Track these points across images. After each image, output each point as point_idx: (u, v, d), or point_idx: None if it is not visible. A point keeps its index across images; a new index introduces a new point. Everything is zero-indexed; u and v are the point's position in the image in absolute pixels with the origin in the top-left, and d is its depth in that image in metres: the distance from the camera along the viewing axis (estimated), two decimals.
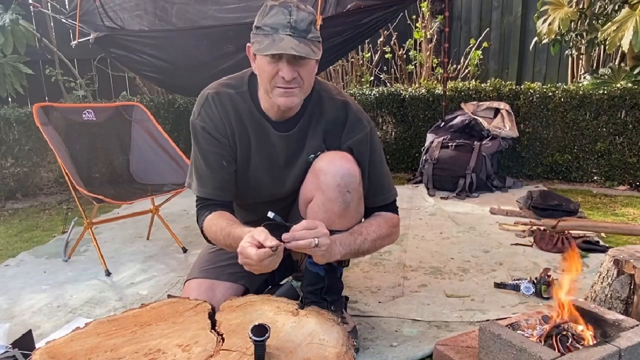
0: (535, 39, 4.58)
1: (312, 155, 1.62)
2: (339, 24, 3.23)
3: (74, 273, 2.50)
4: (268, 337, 1.19)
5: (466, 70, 5.47)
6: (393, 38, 5.49)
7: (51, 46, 4.57)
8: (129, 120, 2.94)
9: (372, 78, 5.61)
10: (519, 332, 1.45)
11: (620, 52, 4.26)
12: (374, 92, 4.61)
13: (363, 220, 1.69)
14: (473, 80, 4.98)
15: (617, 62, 4.32)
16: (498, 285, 2.17)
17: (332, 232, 1.55)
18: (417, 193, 3.77)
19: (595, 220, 2.99)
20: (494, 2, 5.80)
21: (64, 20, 3.89)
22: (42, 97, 4.81)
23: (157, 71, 3.76)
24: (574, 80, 4.70)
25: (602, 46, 4.26)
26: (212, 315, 1.42)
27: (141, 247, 2.84)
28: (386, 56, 5.68)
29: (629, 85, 3.79)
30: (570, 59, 4.80)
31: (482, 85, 4.34)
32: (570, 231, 2.69)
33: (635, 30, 3.50)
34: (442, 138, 4.00)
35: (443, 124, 4.16)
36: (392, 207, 1.71)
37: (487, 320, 1.81)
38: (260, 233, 1.35)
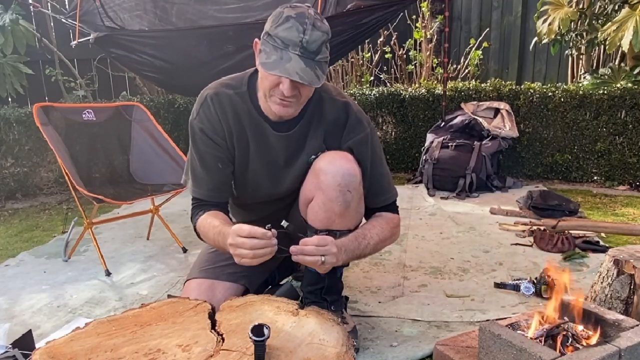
0: (535, 39, 4.58)
1: (313, 156, 1.62)
2: (339, 24, 3.22)
3: (74, 273, 2.50)
4: (268, 337, 1.20)
5: (466, 70, 5.47)
6: (393, 38, 5.49)
7: (51, 46, 4.57)
8: (129, 120, 2.94)
9: (372, 78, 5.61)
10: (519, 332, 1.45)
11: (620, 52, 4.26)
12: (374, 92, 4.61)
13: (363, 220, 1.70)
14: (473, 80, 4.98)
15: (617, 62, 4.32)
16: (498, 285, 2.17)
17: (332, 232, 1.55)
18: (417, 193, 3.77)
19: (595, 220, 2.99)
20: (494, 2, 5.80)
21: (64, 20, 3.89)
22: (42, 97, 4.81)
23: (157, 71, 3.76)
24: (574, 80, 4.70)
25: (602, 46, 4.26)
26: (212, 315, 1.42)
27: (141, 247, 2.84)
28: (386, 56, 5.68)
29: (629, 85, 3.79)
30: (570, 59, 4.80)
31: (482, 85, 4.34)
32: (570, 231, 2.68)
33: (635, 30, 3.50)
34: (442, 138, 4.00)
35: (443, 124, 4.16)
36: (393, 207, 1.72)
37: (487, 320, 1.81)
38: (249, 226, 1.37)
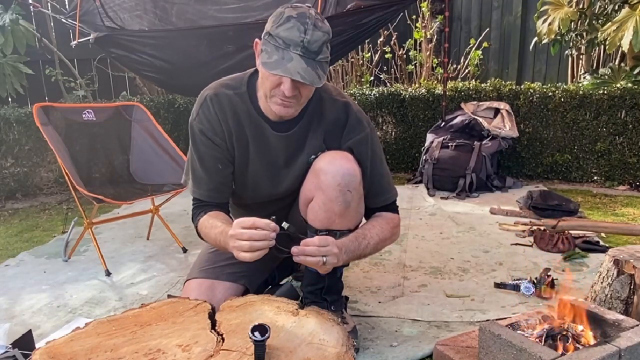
0: (535, 39, 4.58)
1: (313, 156, 1.62)
2: (339, 24, 3.22)
3: (74, 273, 2.50)
4: (268, 337, 1.20)
5: (466, 70, 5.47)
6: (393, 38, 5.49)
7: (51, 46, 4.57)
8: (129, 120, 2.94)
9: (372, 78, 5.61)
10: (519, 332, 1.45)
11: (620, 52, 4.26)
12: (374, 92, 4.61)
13: (364, 220, 1.70)
14: (473, 80, 4.99)
15: (617, 62, 4.32)
16: (498, 285, 2.17)
17: (332, 232, 1.55)
18: (417, 193, 3.77)
19: (595, 220, 2.99)
20: (494, 2, 5.80)
21: (64, 20, 3.89)
22: (42, 97, 4.81)
23: (157, 71, 3.76)
24: (574, 80, 4.70)
25: (602, 46, 4.26)
26: (212, 315, 1.42)
27: (141, 247, 2.84)
28: (386, 56, 5.68)
29: (629, 85, 3.79)
30: (570, 59, 4.80)
31: (482, 85, 4.34)
32: (570, 231, 2.68)
33: (635, 30, 3.50)
34: (442, 138, 4.00)
35: (443, 124, 4.16)
36: (393, 207, 1.72)
37: (487, 320, 1.81)
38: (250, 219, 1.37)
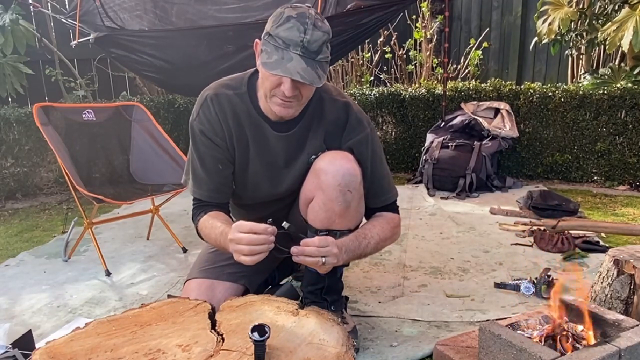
0: (535, 39, 4.58)
1: (313, 156, 1.62)
2: (339, 24, 3.22)
3: (74, 273, 2.50)
4: (268, 337, 1.20)
5: (466, 70, 5.47)
6: (393, 38, 5.49)
7: (51, 46, 4.57)
8: (129, 120, 2.93)
9: (372, 78, 5.61)
10: (519, 332, 1.45)
11: (620, 52, 4.26)
12: (374, 92, 4.61)
13: (364, 220, 1.70)
14: (473, 80, 4.99)
15: (617, 62, 4.32)
16: (498, 285, 2.17)
17: (332, 232, 1.55)
18: (417, 193, 3.77)
19: (595, 220, 2.99)
20: (494, 2, 5.80)
21: (64, 20, 3.89)
22: (42, 97, 4.81)
23: (157, 71, 3.76)
24: (574, 80, 4.70)
25: (602, 46, 4.26)
26: (212, 315, 1.42)
27: (141, 247, 2.84)
28: (386, 56, 5.68)
29: (629, 85, 3.79)
30: (570, 59, 4.80)
31: (482, 85, 4.34)
32: (570, 231, 2.68)
33: (635, 30, 3.50)
34: (442, 138, 4.00)
35: (443, 124, 4.16)
36: (393, 207, 1.72)
37: (487, 320, 1.81)
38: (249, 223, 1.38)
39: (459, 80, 5.11)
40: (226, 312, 1.44)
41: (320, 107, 1.63)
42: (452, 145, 3.91)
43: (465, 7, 6.07)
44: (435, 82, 5.01)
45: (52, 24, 4.74)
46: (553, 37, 4.29)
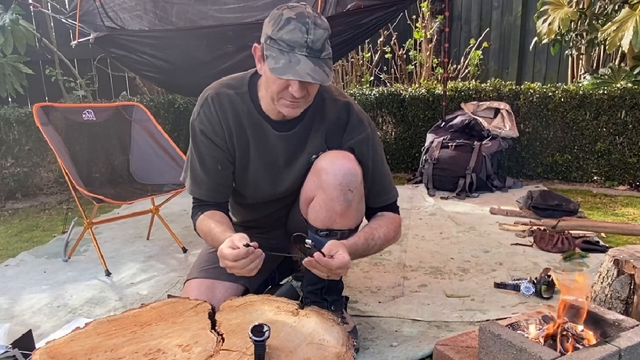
0: (535, 39, 4.58)
1: (314, 156, 1.62)
2: (339, 24, 3.22)
3: (74, 273, 2.50)
4: (268, 337, 1.19)
5: (466, 70, 5.47)
6: (393, 38, 5.49)
7: (51, 46, 4.57)
8: (129, 120, 2.93)
9: (372, 78, 5.61)
10: (519, 332, 1.45)
11: (620, 52, 4.26)
12: (374, 92, 4.61)
13: (364, 221, 1.70)
14: (473, 80, 4.98)
15: (617, 62, 4.32)
16: (498, 285, 2.17)
17: (333, 232, 1.55)
18: (417, 193, 3.77)
19: (595, 220, 2.99)
20: (494, 2, 5.80)
21: (64, 20, 3.89)
22: (42, 97, 4.81)
23: (157, 71, 3.76)
24: (574, 80, 4.70)
25: (602, 46, 4.26)
26: (212, 315, 1.42)
27: (141, 247, 2.84)
28: (386, 56, 5.68)
29: (629, 85, 3.79)
30: (570, 59, 4.80)
31: (482, 85, 4.34)
32: (570, 231, 2.68)
33: (635, 30, 3.50)
34: (442, 138, 4.00)
35: (443, 124, 4.16)
36: (394, 207, 1.72)
37: (487, 320, 1.81)
38: (240, 238, 1.39)
39: (459, 80, 5.11)
40: (226, 312, 1.44)
41: (322, 106, 1.63)
42: (452, 145, 3.91)
43: (465, 7, 6.07)
44: (435, 82, 5.01)
45: (52, 24, 4.74)
46: (553, 37, 4.29)
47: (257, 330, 1.20)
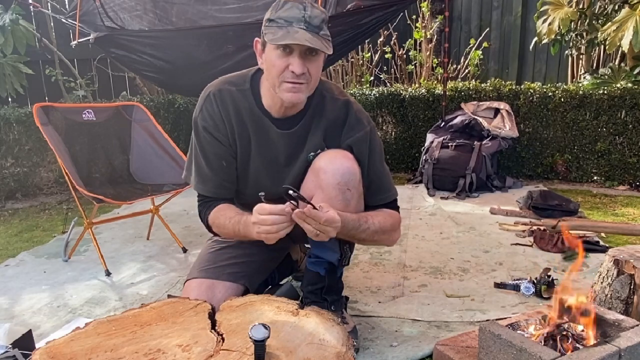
0: (535, 39, 4.58)
1: (312, 154, 1.62)
2: (339, 24, 3.22)
3: (74, 273, 2.50)
4: (268, 337, 1.19)
5: (466, 70, 5.47)
6: (393, 38, 5.49)
7: (51, 46, 4.57)
8: (129, 120, 2.93)
9: (372, 78, 5.61)
10: (519, 332, 1.45)
11: (620, 52, 4.26)
12: (374, 92, 4.61)
13: None
14: (473, 80, 4.98)
15: (617, 62, 4.32)
16: (498, 285, 2.17)
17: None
18: (417, 193, 3.77)
19: (595, 220, 2.99)
20: (494, 2, 5.80)
21: (64, 20, 3.89)
22: (42, 97, 4.81)
23: (157, 71, 3.76)
24: (574, 80, 4.70)
25: (602, 46, 4.26)
26: (212, 315, 1.42)
27: (141, 247, 2.84)
28: (386, 56, 5.68)
29: (629, 85, 3.79)
30: (570, 59, 4.80)
31: (482, 85, 4.34)
32: (570, 231, 2.68)
33: (635, 30, 3.50)
34: (442, 138, 4.00)
35: (443, 124, 4.16)
36: (393, 206, 1.72)
37: (487, 320, 1.81)
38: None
39: (459, 80, 5.11)
40: (226, 312, 1.44)
41: (322, 105, 1.64)
42: (452, 145, 3.91)
43: (465, 7, 6.07)
44: (435, 82, 5.01)
45: (52, 24, 4.74)
46: (553, 37, 4.29)
47: (257, 330, 1.20)
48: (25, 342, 1.61)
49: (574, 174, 4.02)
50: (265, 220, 1.39)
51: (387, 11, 3.36)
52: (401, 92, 4.52)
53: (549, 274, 2.11)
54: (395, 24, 5.05)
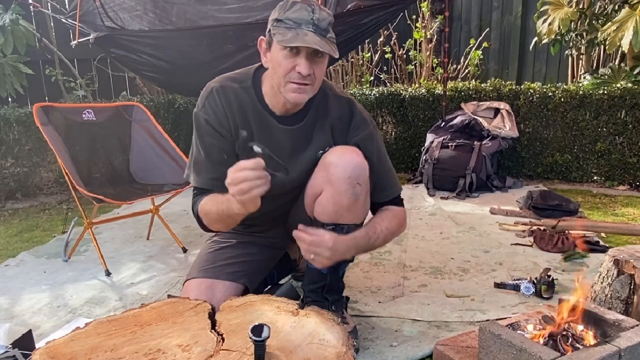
0: (535, 39, 4.58)
1: (321, 151, 1.64)
2: (339, 24, 3.21)
3: (74, 273, 2.50)
4: (268, 337, 1.19)
5: (466, 70, 5.47)
6: (393, 38, 5.49)
7: (51, 46, 4.57)
8: (129, 120, 2.93)
9: (372, 78, 5.61)
10: (519, 332, 1.45)
11: (620, 52, 4.26)
12: (374, 92, 4.61)
13: (370, 215, 1.70)
14: (473, 80, 4.98)
15: (617, 62, 4.32)
16: (498, 285, 2.17)
17: (339, 226, 1.55)
18: (417, 193, 3.77)
19: (595, 220, 2.99)
20: (494, 2, 5.80)
21: (64, 20, 3.89)
22: (42, 97, 4.81)
23: (157, 71, 3.76)
24: (574, 80, 4.70)
25: (602, 46, 4.26)
26: (212, 315, 1.42)
27: (141, 247, 2.84)
28: (386, 56, 5.68)
29: (629, 85, 3.79)
30: (570, 59, 4.80)
31: (482, 85, 4.34)
32: (570, 231, 2.68)
33: (635, 30, 3.50)
34: (442, 138, 4.00)
35: (443, 124, 4.16)
36: (398, 201, 1.75)
37: (487, 320, 1.81)
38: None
39: (459, 80, 5.11)
40: (226, 312, 1.44)
41: (325, 103, 1.65)
42: (452, 145, 3.91)
43: (465, 7, 6.07)
44: (435, 82, 5.01)
45: (52, 24, 4.74)
46: (553, 37, 4.29)
47: (257, 330, 1.20)
48: (25, 342, 1.61)
49: (574, 174, 4.02)
50: (237, 178, 1.33)
51: (387, 11, 3.36)
52: (401, 92, 4.52)
53: (549, 274, 2.11)
54: (395, 24, 5.05)
